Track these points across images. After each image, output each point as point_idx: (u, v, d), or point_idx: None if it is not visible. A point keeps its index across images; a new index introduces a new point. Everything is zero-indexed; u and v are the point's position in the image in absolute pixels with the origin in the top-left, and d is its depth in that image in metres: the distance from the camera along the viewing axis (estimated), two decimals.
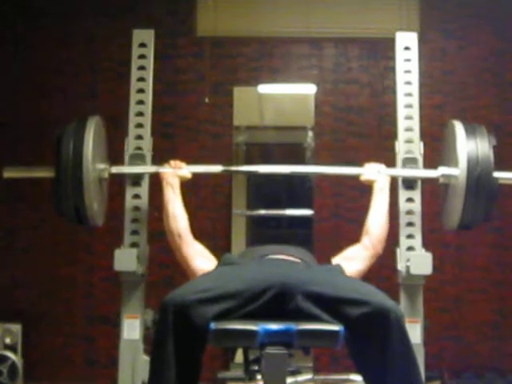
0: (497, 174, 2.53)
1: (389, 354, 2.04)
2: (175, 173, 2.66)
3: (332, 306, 2.08)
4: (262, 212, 2.87)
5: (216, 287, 2.08)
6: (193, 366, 2.09)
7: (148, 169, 2.79)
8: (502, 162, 4.69)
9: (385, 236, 2.53)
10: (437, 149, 4.39)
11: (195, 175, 4.61)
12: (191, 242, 2.50)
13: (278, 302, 2.10)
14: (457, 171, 2.52)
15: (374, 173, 2.65)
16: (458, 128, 2.58)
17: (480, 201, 2.50)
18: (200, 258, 2.44)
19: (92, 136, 2.52)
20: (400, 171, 2.76)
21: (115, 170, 2.72)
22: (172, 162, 2.69)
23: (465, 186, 2.49)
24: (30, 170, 2.84)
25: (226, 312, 2.06)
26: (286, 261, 2.38)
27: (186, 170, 2.70)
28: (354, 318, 2.06)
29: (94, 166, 2.53)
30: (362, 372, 2.15)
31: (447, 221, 2.69)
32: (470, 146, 2.53)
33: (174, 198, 2.58)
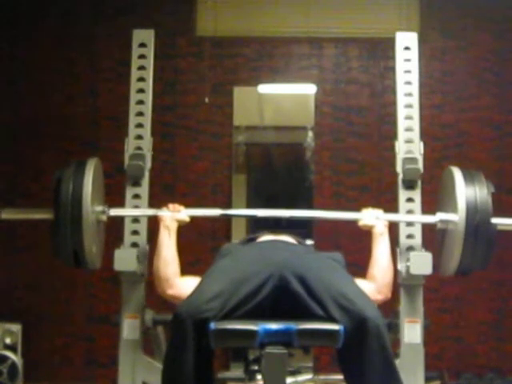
0: (495, 220, 2.49)
1: (366, 364, 2.07)
2: (173, 216, 2.62)
3: (320, 302, 2.15)
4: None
5: (224, 290, 2.13)
6: (210, 375, 2.16)
7: (146, 212, 2.76)
8: (502, 163, 4.71)
9: (391, 280, 2.51)
10: (437, 149, 4.42)
11: (195, 174, 4.66)
12: (177, 284, 2.45)
13: (278, 289, 2.17)
14: (455, 217, 2.48)
15: (372, 218, 2.63)
16: (457, 175, 2.55)
17: (478, 247, 2.47)
18: (186, 293, 2.29)
19: (91, 179, 2.48)
20: (398, 216, 2.74)
21: (114, 212, 2.67)
22: (170, 206, 2.65)
23: (463, 232, 2.46)
24: (28, 211, 2.78)
25: (235, 310, 2.12)
26: (286, 243, 2.45)
27: (185, 214, 2.65)
28: (337, 320, 2.11)
29: (93, 208, 2.50)
30: (344, 376, 2.17)
31: (444, 267, 2.64)
32: (468, 192, 2.49)
33: (169, 243, 2.55)
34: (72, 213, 2.43)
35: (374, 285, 2.46)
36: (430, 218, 2.67)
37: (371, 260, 2.55)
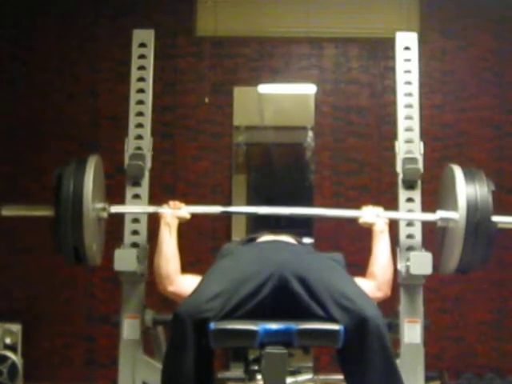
0: (495, 218, 2.50)
1: (367, 364, 2.07)
2: (174, 213, 2.63)
3: (320, 302, 2.14)
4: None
5: (225, 290, 2.13)
6: (210, 375, 2.16)
7: (147, 209, 2.75)
8: (502, 163, 4.70)
9: (391, 278, 2.53)
10: (437, 149, 4.42)
11: (195, 174, 4.66)
12: (178, 281, 2.47)
13: (278, 289, 2.16)
14: (456, 215, 2.49)
15: (373, 216, 2.64)
16: (457, 172, 2.56)
17: (479, 245, 2.48)
18: (188, 292, 2.29)
19: (92, 176, 2.49)
20: (398, 214, 2.74)
21: (114, 209, 2.68)
22: (171, 203, 2.66)
23: (464, 231, 2.46)
24: (29, 208, 2.77)
25: (235, 310, 2.12)
26: (286, 244, 2.45)
27: (185, 211, 2.66)
28: (337, 320, 2.11)
29: (94, 206, 2.51)
30: (344, 376, 2.17)
31: (444, 265, 2.65)
32: (469, 190, 2.50)
33: (170, 240, 2.56)
34: (73, 210, 2.44)
35: (374, 282, 2.47)
36: (430, 216, 2.67)
37: (371, 257, 2.56)
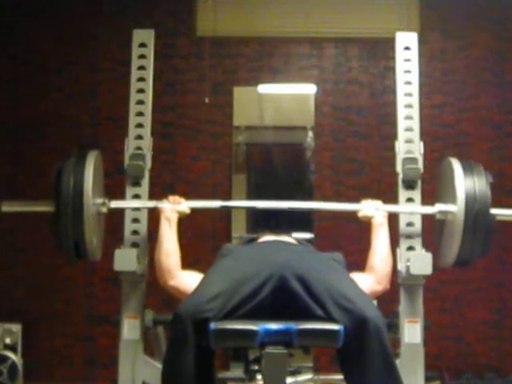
0: (494, 211, 2.52)
1: (366, 364, 2.08)
2: (174, 208, 2.64)
3: (320, 302, 2.15)
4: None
5: (225, 290, 2.14)
6: (210, 375, 2.16)
7: (147, 203, 2.76)
8: (502, 163, 4.70)
9: (390, 271, 2.53)
10: (437, 149, 4.42)
11: (195, 174, 4.66)
12: (179, 275, 2.48)
13: (278, 289, 2.16)
14: (454, 208, 2.51)
15: (372, 209, 2.64)
16: (456, 165, 2.57)
17: (477, 238, 2.50)
18: (189, 287, 2.34)
19: (92, 171, 2.51)
20: (397, 208, 2.74)
21: (114, 204, 2.69)
22: (171, 198, 2.67)
23: (462, 223, 2.48)
24: (29, 204, 2.78)
25: (235, 310, 2.12)
26: (286, 244, 2.45)
27: (185, 205, 2.67)
28: (337, 320, 2.11)
29: (94, 200, 2.53)
30: (344, 376, 2.18)
31: (443, 258, 2.66)
32: (467, 182, 2.52)
33: (170, 234, 2.57)
34: (73, 204, 2.46)
35: (374, 276, 2.48)
36: (428, 209, 2.68)
37: (370, 251, 2.56)
